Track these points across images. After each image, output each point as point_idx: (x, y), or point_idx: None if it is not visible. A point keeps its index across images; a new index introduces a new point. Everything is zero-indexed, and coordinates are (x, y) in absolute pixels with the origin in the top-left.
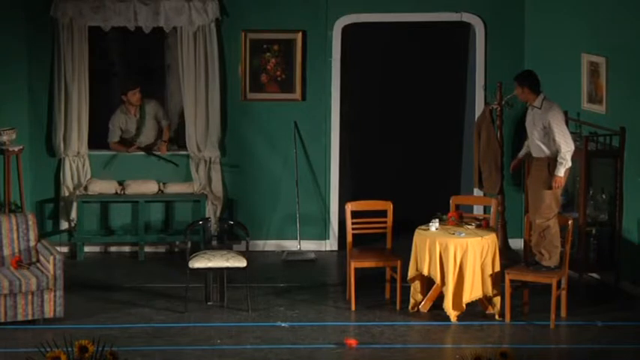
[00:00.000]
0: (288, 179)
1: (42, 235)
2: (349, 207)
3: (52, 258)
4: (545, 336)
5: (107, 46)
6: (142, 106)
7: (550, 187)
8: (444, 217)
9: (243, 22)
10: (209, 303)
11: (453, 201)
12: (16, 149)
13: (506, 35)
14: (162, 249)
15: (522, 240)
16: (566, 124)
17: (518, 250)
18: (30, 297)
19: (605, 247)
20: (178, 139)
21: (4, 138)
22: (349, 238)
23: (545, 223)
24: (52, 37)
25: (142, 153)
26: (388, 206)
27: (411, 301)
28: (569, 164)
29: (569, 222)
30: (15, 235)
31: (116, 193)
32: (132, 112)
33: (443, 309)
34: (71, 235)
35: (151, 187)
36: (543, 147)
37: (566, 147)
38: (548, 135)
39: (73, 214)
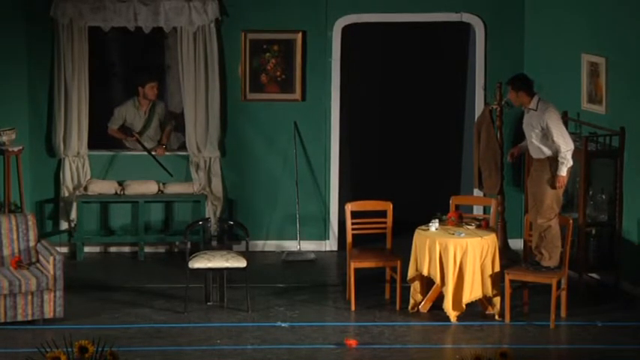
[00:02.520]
0: (288, 179)
1: (42, 235)
2: (349, 207)
3: (51, 258)
4: (545, 336)
5: (107, 46)
6: (154, 104)
7: (553, 187)
8: (444, 217)
9: (242, 23)
10: (209, 303)
11: (452, 201)
12: (15, 149)
13: (506, 35)
14: (162, 249)
15: (522, 240)
16: (565, 124)
17: (518, 251)
18: (30, 297)
19: (605, 247)
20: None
21: (4, 138)
22: (349, 239)
23: (546, 224)
24: (52, 37)
25: (141, 149)
26: (388, 206)
27: (411, 301)
28: (570, 163)
29: (569, 222)
30: (15, 236)
31: (116, 193)
32: (143, 108)
33: (443, 309)
34: (71, 235)
35: (150, 188)
36: (543, 148)
37: (566, 146)
38: (546, 136)
39: (73, 215)
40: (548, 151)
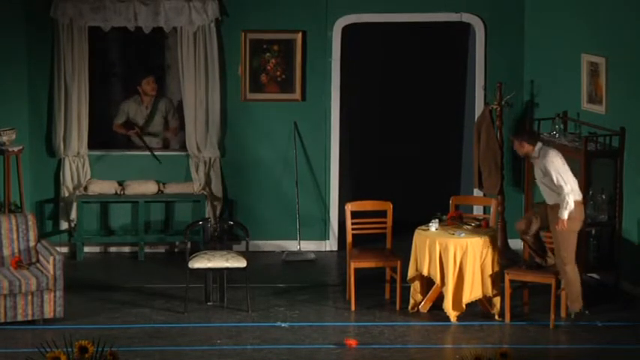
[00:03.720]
0: (288, 179)
1: (42, 235)
2: (349, 207)
3: (51, 258)
4: (545, 336)
5: (107, 46)
6: (157, 100)
7: (563, 229)
8: (444, 217)
9: (243, 22)
10: (209, 303)
11: (452, 201)
12: (15, 149)
13: (506, 35)
14: (162, 249)
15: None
16: (565, 124)
17: (518, 251)
18: (30, 297)
19: (605, 247)
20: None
21: (4, 138)
22: (349, 239)
23: (563, 267)
24: (52, 37)
25: (138, 141)
26: (388, 206)
27: (411, 301)
28: (571, 206)
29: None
30: (15, 236)
31: (116, 193)
32: (145, 103)
33: (443, 309)
34: (71, 235)
35: (150, 188)
36: (553, 193)
37: (566, 188)
38: (551, 179)
39: (73, 215)
40: (558, 196)
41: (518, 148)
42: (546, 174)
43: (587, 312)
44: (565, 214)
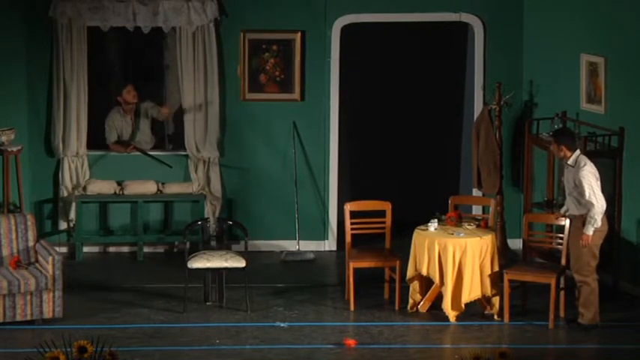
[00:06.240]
0: (287, 179)
1: (41, 235)
2: (348, 207)
3: (50, 258)
4: (544, 336)
5: (106, 46)
6: (138, 107)
7: (584, 245)
8: (443, 217)
9: (242, 22)
10: (208, 303)
11: (451, 201)
12: (14, 149)
13: (505, 35)
14: (161, 249)
15: (521, 240)
16: (564, 124)
17: (517, 250)
18: (29, 297)
19: (604, 247)
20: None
21: (3, 138)
22: (348, 239)
23: (582, 279)
24: (51, 37)
25: (139, 153)
26: (387, 206)
27: (410, 301)
28: (598, 224)
29: (567, 221)
30: (14, 236)
31: (115, 193)
32: (128, 113)
33: (442, 309)
34: (70, 235)
35: (149, 188)
36: (580, 205)
37: (597, 206)
38: (581, 193)
39: (72, 215)
40: (584, 209)
41: (554, 151)
42: (578, 186)
43: (599, 324)
44: (590, 231)
